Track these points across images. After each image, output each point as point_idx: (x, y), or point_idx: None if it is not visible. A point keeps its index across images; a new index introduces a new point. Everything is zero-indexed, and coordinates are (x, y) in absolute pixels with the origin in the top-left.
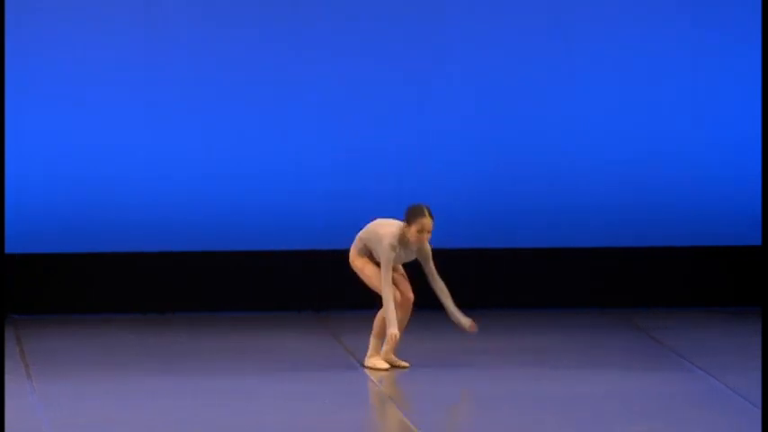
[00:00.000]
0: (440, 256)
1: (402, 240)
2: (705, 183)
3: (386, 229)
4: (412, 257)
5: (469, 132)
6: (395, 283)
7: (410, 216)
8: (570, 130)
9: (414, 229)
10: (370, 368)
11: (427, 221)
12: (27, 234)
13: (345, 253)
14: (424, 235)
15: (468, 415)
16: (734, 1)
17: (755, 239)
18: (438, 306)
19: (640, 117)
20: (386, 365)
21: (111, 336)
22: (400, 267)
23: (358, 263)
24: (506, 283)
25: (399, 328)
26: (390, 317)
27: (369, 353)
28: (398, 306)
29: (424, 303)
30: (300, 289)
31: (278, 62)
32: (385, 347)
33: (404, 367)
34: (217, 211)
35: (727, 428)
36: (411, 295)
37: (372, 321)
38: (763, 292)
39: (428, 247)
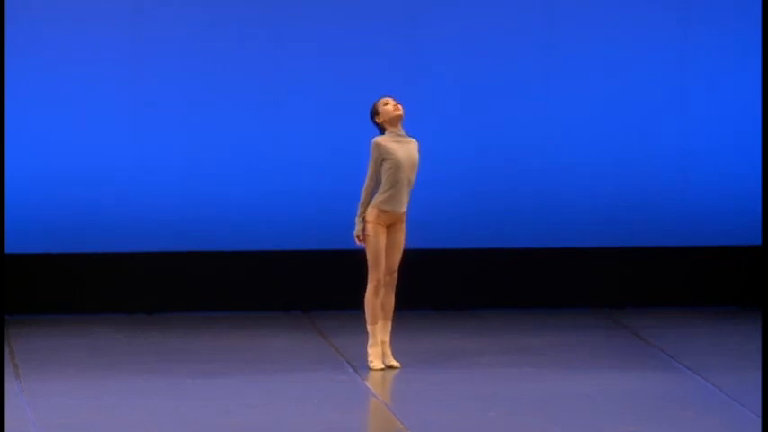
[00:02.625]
0: (441, 256)
1: (391, 135)
2: (705, 183)
3: None
4: (414, 154)
5: (468, 132)
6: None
7: (374, 111)
8: (569, 130)
9: (382, 111)
10: (370, 364)
11: (385, 98)
12: (19, 234)
13: (340, 253)
14: (391, 105)
15: (464, 415)
16: (732, 0)
17: (755, 239)
18: (436, 306)
19: (639, 117)
20: (381, 365)
21: (102, 336)
22: (398, 238)
23: (369, 227)
24: (506, 283)
25: (387, 311)
26: (362, 200)
27: (369, 341)
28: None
29: (423, 303)
30: (291, 289)
31: (276, 62)
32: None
33: (396, 367)
34: (211, 212)
35: (725, 429)
36: (394, 269)
37: (362, 322)
38: (763, 292)
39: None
